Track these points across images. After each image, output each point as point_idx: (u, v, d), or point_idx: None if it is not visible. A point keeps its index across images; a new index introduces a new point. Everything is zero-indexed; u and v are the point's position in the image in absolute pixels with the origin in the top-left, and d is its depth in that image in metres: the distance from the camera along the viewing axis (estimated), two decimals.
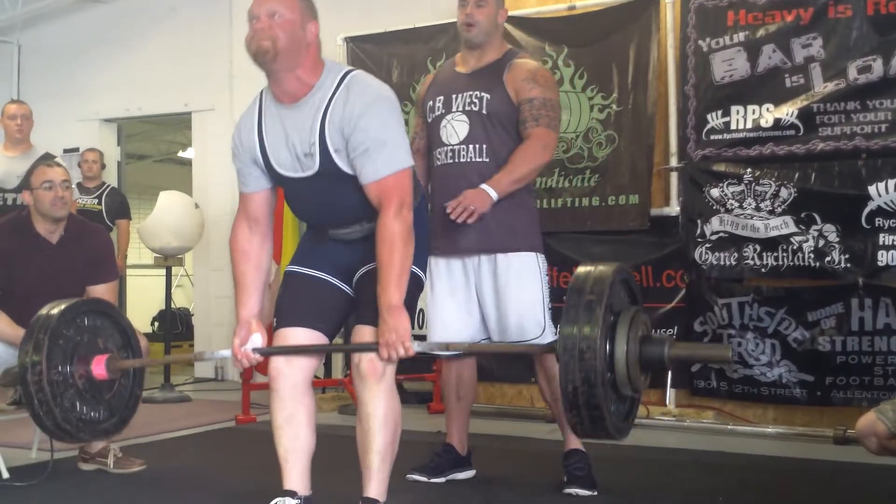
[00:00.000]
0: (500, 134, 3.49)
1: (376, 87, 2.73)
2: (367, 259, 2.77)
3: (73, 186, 5.38)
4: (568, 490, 3.42)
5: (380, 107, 2.67)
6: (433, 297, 3.63)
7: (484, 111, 3.49)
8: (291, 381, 2.78)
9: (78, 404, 3.01)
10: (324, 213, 2.86)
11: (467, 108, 3.52)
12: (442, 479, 3.63)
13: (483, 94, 3.50)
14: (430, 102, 3.64)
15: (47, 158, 4.01)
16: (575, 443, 3.52)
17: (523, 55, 3.67)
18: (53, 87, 8.37)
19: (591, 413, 2.35)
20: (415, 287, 2.85)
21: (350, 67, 2.79)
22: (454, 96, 3.55)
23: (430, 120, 3.64)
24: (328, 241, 2.88)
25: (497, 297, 3.49)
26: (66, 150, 7.89)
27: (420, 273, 2.91)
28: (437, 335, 3.60)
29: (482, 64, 3.57)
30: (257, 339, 2.79)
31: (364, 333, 2.74)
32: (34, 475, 3.64)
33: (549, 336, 3.44)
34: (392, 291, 2.61)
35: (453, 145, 3.53)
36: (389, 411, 2.70)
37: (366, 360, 2.69)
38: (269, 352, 2.80)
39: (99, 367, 3.02)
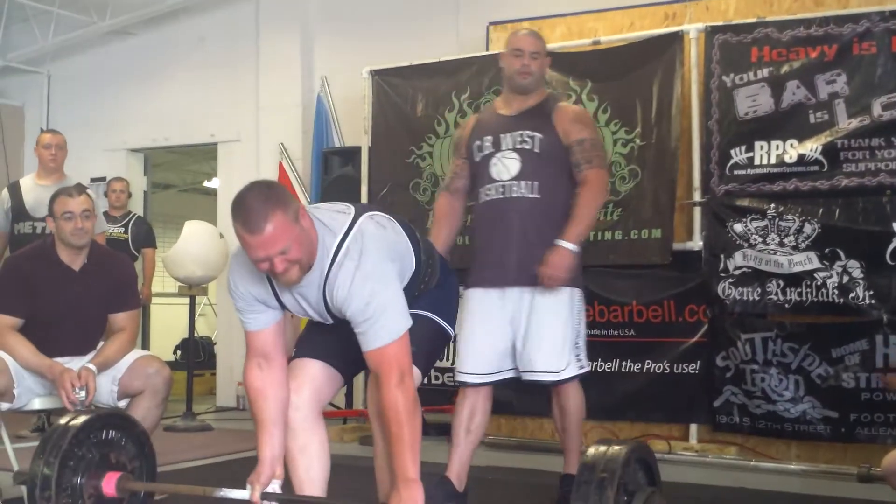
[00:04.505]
0: (551, 171, 3.67)
1: (365, 254, 2.59)
2: None
3: (100, 215, 5.46)
4: None
5: (366, 284, 2.57)
6: (466, 325, 3.70)
7: (536, 149, 3.67)
8: (302, 413, 2.79)
9: None
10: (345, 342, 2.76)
11: (518, 146, 3.69)
12: None
13: (535, 133, 3.68)
14: (478, 142, 3.80)
15: (79, 187, 4.03)
16: (572, 469, 3.60)
17: (563, 98, 3.88)
18: (82, 117, 8.48)
19: None
20: (441, 341, 2.94)
21: (342, 230, 2.64)
22: (502, 136, 3.72)
23: (478, 159, 3.79)
24: None
25: (527, 329, 3.61)
26: (93, 179, 8.00)
27: (447, 327, 2.95)
28: (469, 363, 3.69)
29: (526, 106, 3.76)
30: (275, 485, 2.74)
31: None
32: None
33: (573, 370, 3.61)
34: (407, 465, 2.52)
35: (504, 181, 3.69)
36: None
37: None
38: (281, 499, 2.74)
39: (109, 487, 2.95)
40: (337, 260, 2.61)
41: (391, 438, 2.58)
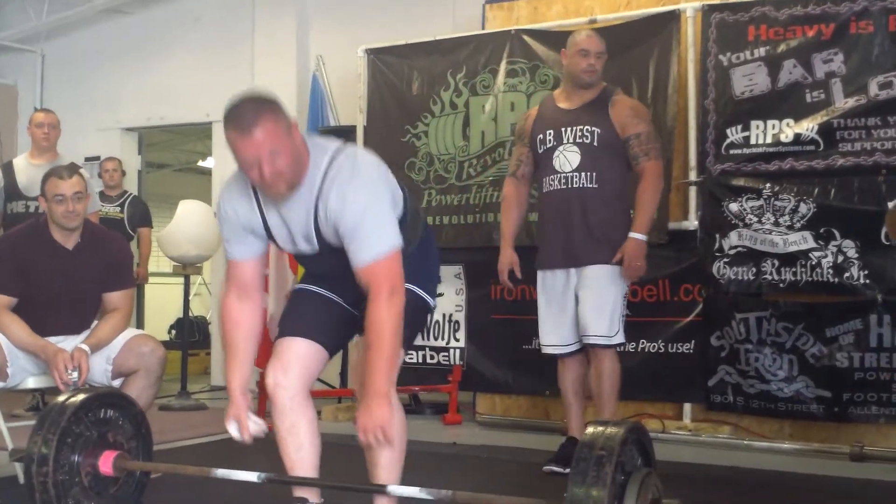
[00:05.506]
0: (609, 162, 4.09)
1: (359, 170, 2.65)
2: None
3: (95, 193, 5.44)
4: (547, 467, 4.02)
5: (360, 194, 2.61)
6: (541, 305, 4.24)
7: (595, 143, 4.08)
8: (289, 392, 2.80)
9: (83, 502, 2.96)
10: (338, 282, 2.82)
11: (578, 140, 4.10)
12: None
13: (594, 128, 4.09)
14: (540, 136, 4.22)
15: (71, 168, 4.01)
16: (576, 433, 4.04)
17: (618, 91, 4.24)
18: (76, 96, 8.45)
19: None
20: (422, 314, 2.96)
21: (334, 149, 2.70)
22: (563, 129, 4.14)
23: (541, 151, 4.21)
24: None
25: (587, 298, 4.05)
26: (87, 159, 7.98)
27: (428, 300, 2.95)
28: (548, 338, 4.22)
29: (585, 101, 4.16)
30: (255, 418, 2.80)
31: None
32: None
33: (621, 337, 4.08)
34: (380, 379, 2.55)
35: (566, 173, 4.11)
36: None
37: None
38: (275, 480, 2.81)
39: (106, 466, 2.98)
40: (329, 175, 2.64)
41: (369, 353, 2.58)
